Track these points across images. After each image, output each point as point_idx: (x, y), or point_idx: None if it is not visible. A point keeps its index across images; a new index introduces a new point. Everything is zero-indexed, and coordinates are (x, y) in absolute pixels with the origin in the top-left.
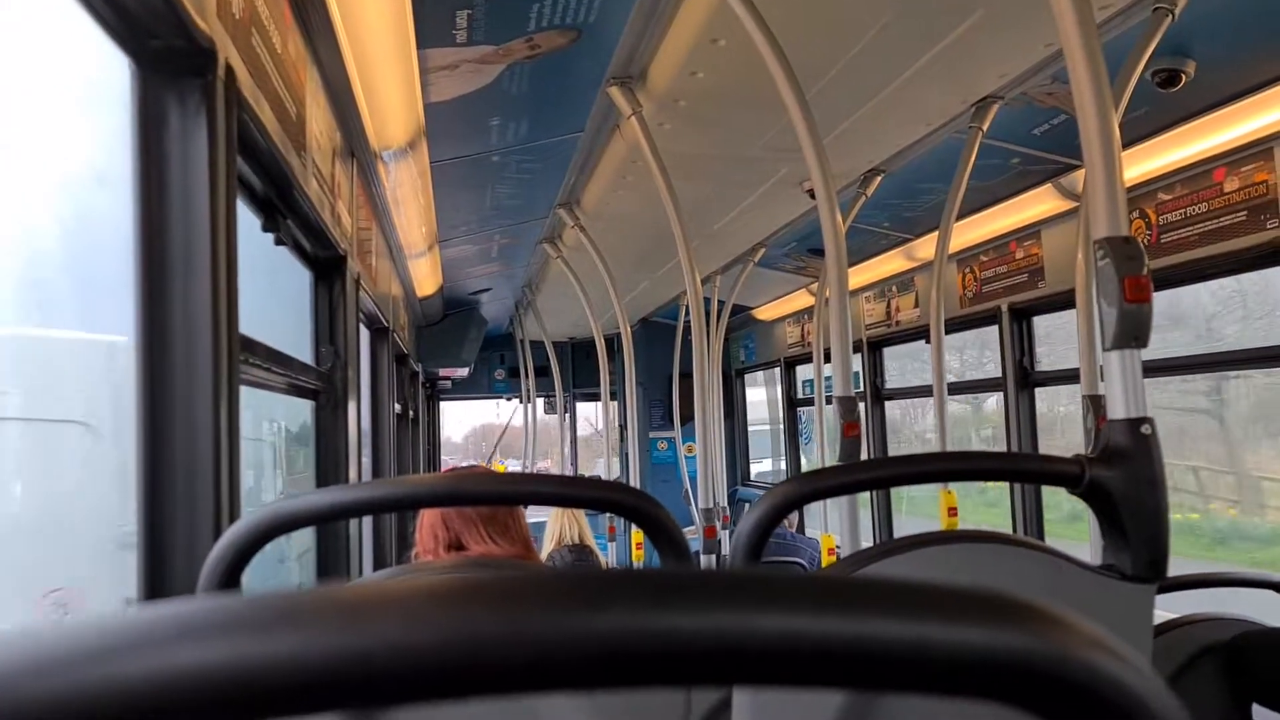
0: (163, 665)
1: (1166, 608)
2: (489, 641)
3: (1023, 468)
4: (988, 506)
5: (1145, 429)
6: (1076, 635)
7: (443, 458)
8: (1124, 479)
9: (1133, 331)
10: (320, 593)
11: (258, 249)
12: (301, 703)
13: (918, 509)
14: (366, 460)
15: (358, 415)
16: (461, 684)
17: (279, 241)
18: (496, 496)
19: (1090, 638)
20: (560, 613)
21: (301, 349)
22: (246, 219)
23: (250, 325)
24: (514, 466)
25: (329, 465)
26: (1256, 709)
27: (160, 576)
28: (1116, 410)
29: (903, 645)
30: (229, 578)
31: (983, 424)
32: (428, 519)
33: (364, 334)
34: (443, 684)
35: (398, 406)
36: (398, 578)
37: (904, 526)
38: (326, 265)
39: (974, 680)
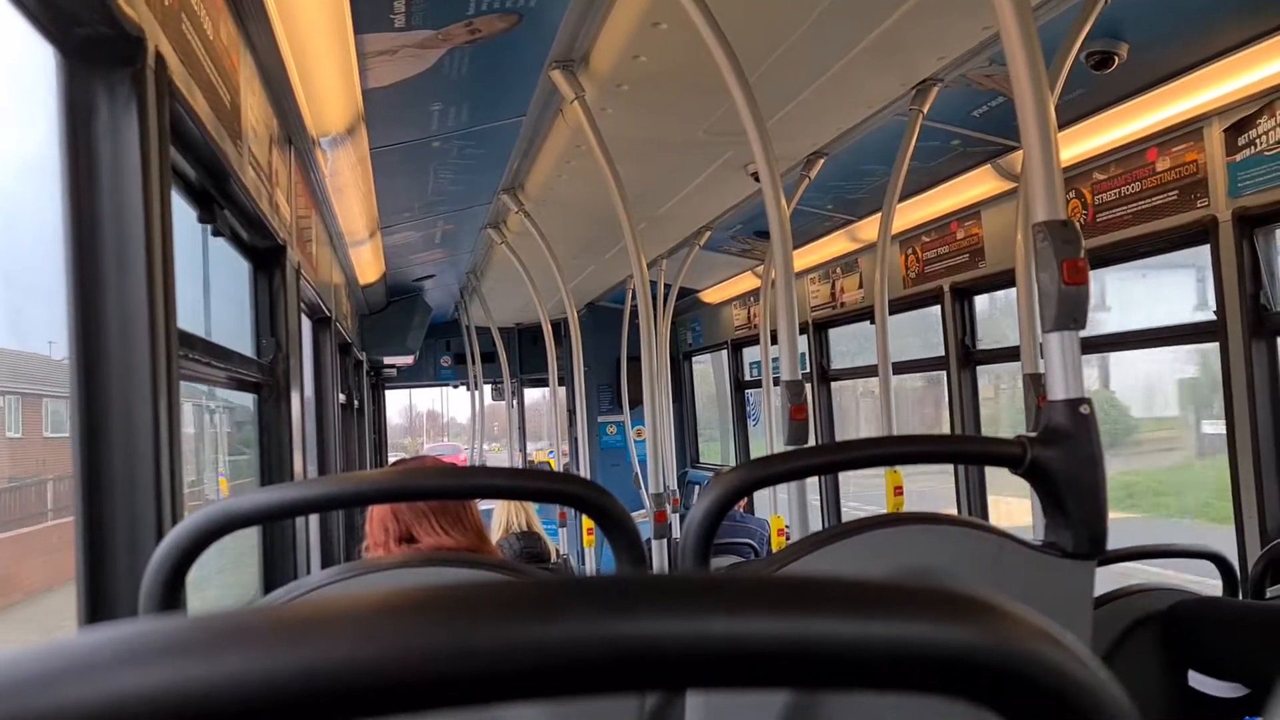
0: (108, 691)
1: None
2: (439, 655)
3: (967, 449)
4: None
5: (1084, 409)
6: (1019, 626)
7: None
8: (1064, 458)
9: (1071, 313)
10: (266, 611)
11: (191, 241)
12: None
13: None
14: (312, 452)
15: (301, 407)
16: (413, 698)
17: (216, 232)
18: (445, 491)
19: (1032, 628)
20: (511, 623)
21: (241, 341)
22: (182, 210)
23: (187, 318)
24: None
25: (273, 458)
26: (1192, 675)
27: (101, 577)
28: (1056, 391)
29: (853, 645)
30: (173, 579)
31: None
32: (377, 512)
33: (306, 324)
34: (394, 699)
35: (342, 397)
36: (349, 581)
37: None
38: (266, 255)
39: (920, 676)
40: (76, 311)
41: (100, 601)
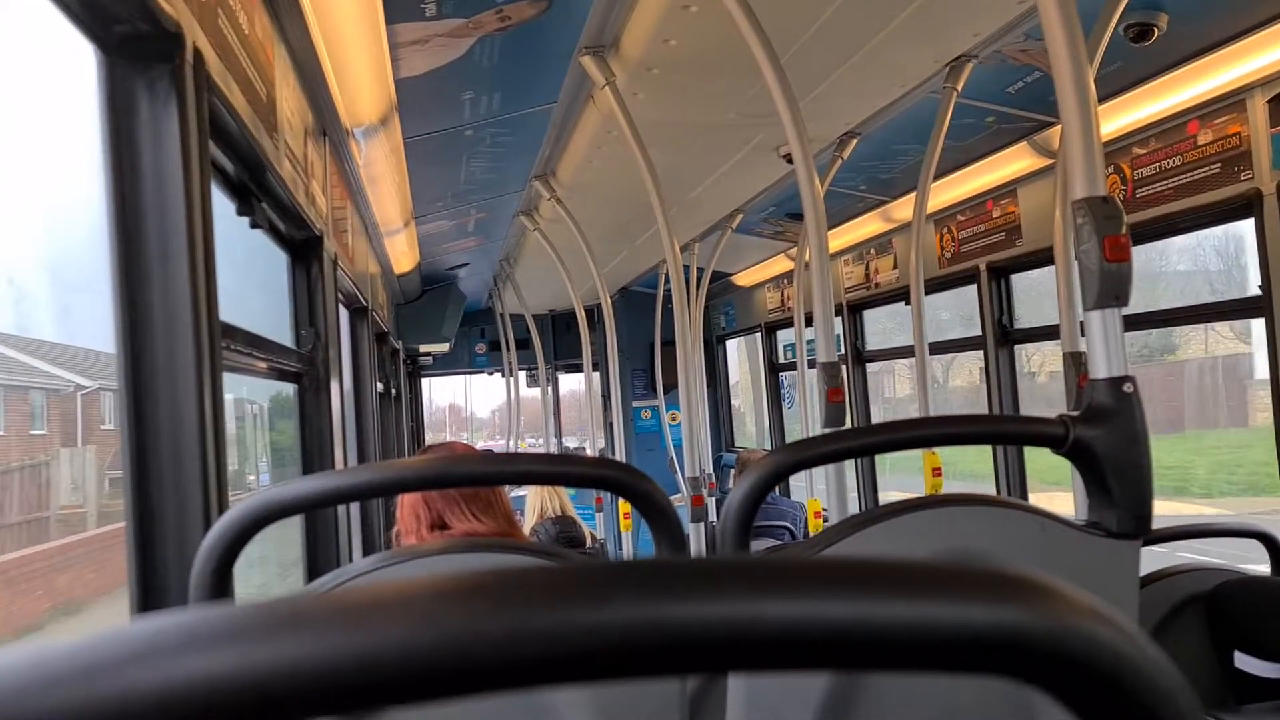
0: (172, 676)
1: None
2: (494, 639)
3: (1007, 430)
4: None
5: (1127, 387)
6: (1072, 606)
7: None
8: (1107, 437)
9: (1113, 291)
10: (325, 596)
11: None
12: (311, 707)
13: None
14: (351, 441)
15: (340, 396)
16: (469, 681)
17: (254, 224)
18: (485, 477)
19: (1085, 608)
20: (564, 607)
21: (280, 332)
22: (220, 203)
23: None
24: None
25: (314, 447)
26: (1238, 655)
27: (151, 567)
28: (1099, 369)
29: (903, 626)
30: (221, 567)
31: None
32: (409, 499)
33: (343, 314)
34: (450, 682)
35: (380, 385)
36: (394, 568)
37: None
38: (303, 246)
39: (970, 657)
40: (122, 305)
41: (151, 590)
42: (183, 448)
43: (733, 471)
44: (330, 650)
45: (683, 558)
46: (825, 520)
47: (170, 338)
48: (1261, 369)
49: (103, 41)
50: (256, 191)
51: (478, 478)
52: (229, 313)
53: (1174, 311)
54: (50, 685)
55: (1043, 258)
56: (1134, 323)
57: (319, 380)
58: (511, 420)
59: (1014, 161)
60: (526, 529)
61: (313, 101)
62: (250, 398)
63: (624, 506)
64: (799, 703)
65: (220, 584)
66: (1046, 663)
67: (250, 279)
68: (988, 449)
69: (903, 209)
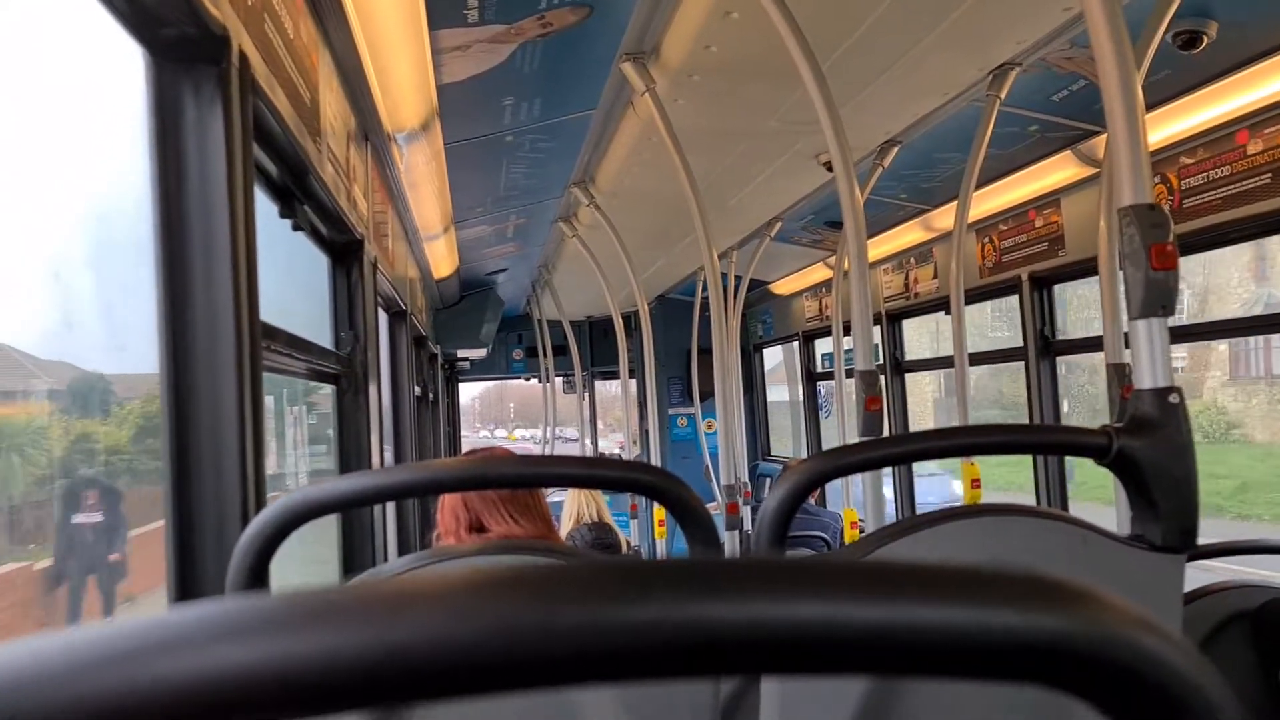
0: (207, 664)
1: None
2: (529, 634)
3: (1050, 440)
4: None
5: (1173, 398)
6: (1118, 614)
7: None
8: (1152, 449)
9: (1159, 300)
10: (359, 588)
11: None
12: (344, 699)
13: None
14: (388, 443)
15: (378, 398)
16: (502, 677)
17: (296, 227)
18: (521, 479)
19: (1131, 616)
20: (600, 604)
21: (319, 333)
22: (263, 205)
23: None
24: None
25: (351, 448)
26: None
27: (190, 563)
28: (1143, 380)
29: (946, 631)
30: (258, 564)
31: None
32: (449, 500)
33: (382, 317)
34: (483, 678)
35: (417, 388)
36: (429, 568)
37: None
38: (344, 250)
39: (1013, 664)
40: (166, 304)
41: (189, 586)
42: (222, 445)
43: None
44: (364, 642)
45: (720, 557)
46: (862, 531)
47: (212, 337)
48: None
49: (151, 44)
50: (299, 194)
51: (513, 479)
52: (269, 313)
53: (1222, 323)
54: (84, 670)
55: (1086, 268)
56: (1181, 335)
57: (357, 382)
58: (547, 424)
59: (1057, 170)
60: (562, 534)
61: (355, 106)
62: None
63: (659, 513)
64: (833, 712)
65: (257, 580)
66: (1092, 672)
67: (291, 281)
68: (1026, 461)
69: (943, 218)
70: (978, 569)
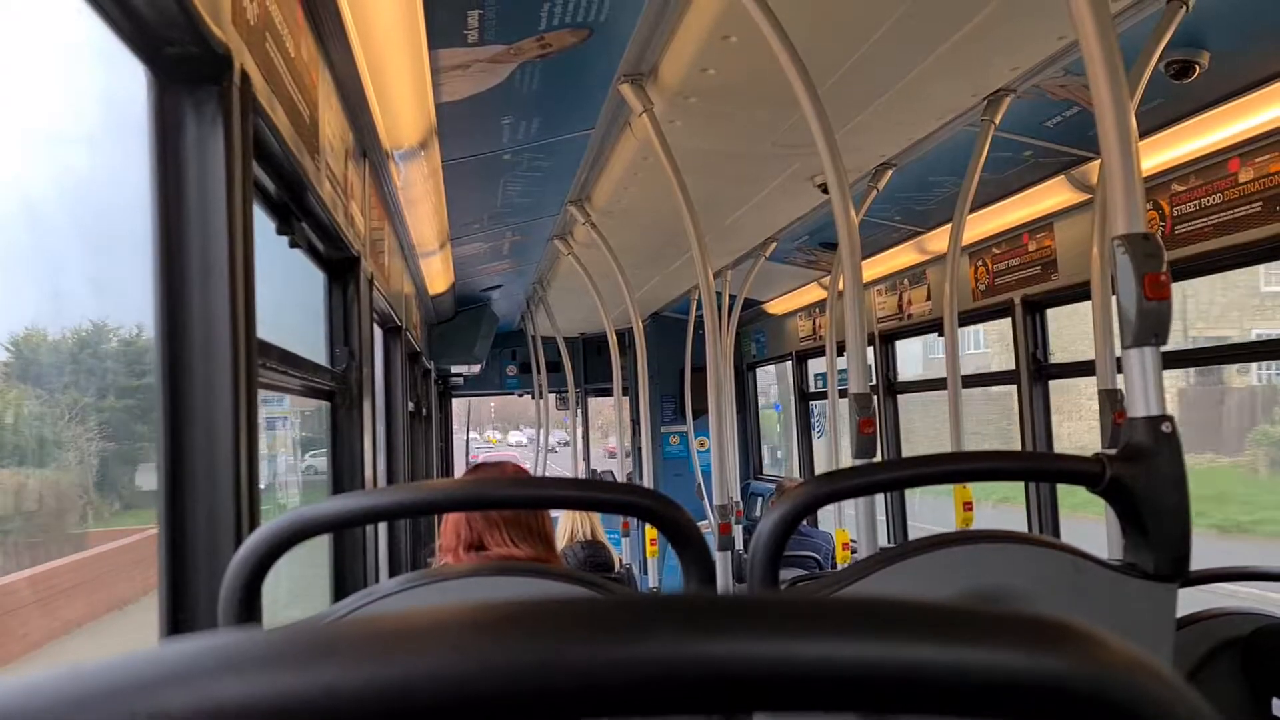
0: (206, 699)
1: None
2: (527, 671)
3: (1043, 467)
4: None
5: (1166, 427)
6: (1113, 654)
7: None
8: (1145, 477)
9: (1152, 329)
10: (359, 623)
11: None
12: None
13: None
14: (382, 459)
15: (373, 415)
16: (499, 713)
17: (293, 244)
18: (517, 500)
19: (1127, 656)
20: (602, 640)
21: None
22: (260, 222)
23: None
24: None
25: (345, 465)
26: (1276, 703)
27: (183, 583)
28: (1136, 408)
29: (949, 670)
30: (252, 582)
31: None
32: (452, 517)
33: (377, 333)
34: (483, 713)
35: (411, 405)
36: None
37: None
38: (340, 266)
39: (1011, 705)
40: (162, 320)
41: (181, 604)
42: (217, 463)
43: (771, 500)
44: (363, 678)
45: (718, 594)
46: (854, 552)
47: (208, 353)
48: None
49: (153, 63)
50: (297, 211)
51: (507, 500)
52: (265, 330)
53: (1214, 350)
54: (83, 704)
55: (1078, 293)
56: (1173, 360)
57: (352, 399)
58: (540, 444)
59: (1051, 196)
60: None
61: (354, 124)
62: None
63: (650, 532)
64: None
65: (249, 600)
66: (1088, 712)
67: (286, 297)
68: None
69: (937, 240)
70: (975, 608)
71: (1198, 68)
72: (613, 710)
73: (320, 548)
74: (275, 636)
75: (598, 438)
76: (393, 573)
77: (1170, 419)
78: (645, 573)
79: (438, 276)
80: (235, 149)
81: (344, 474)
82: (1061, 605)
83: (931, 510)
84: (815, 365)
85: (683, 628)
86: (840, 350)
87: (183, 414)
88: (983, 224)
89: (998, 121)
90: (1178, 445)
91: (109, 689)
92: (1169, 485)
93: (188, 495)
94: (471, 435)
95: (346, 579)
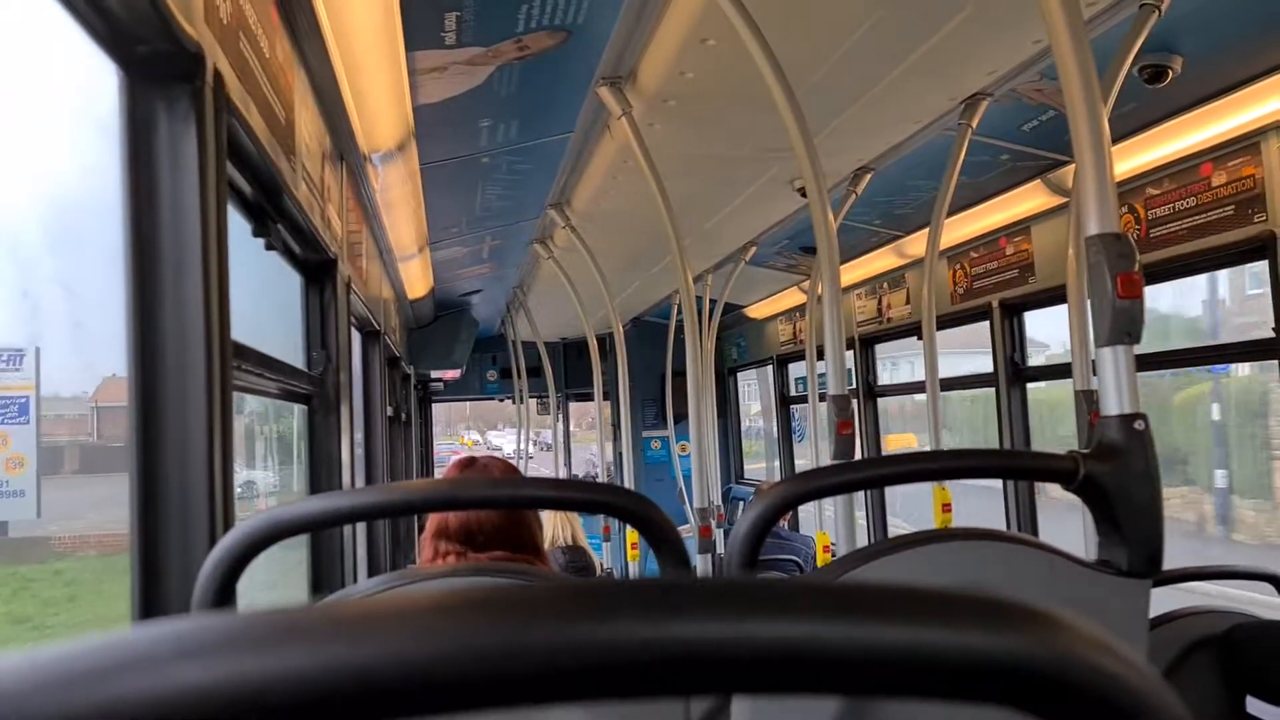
0: (165, 684)
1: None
2: (491, 653)
3: (1018, 465)
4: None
5: (1138, 424)
6: (1078, 637)
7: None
8: (1118, 475)
9: (1125, 328)
10: (321, 608)
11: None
12: (304, 718)
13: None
14: (360, 464)
15: (350, 419)
16: (464, 697)
17: (269, 246)
18: (492, 500)
19: (1092, 639)
20: (564, 624)
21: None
22: (236, 224)
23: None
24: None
25: (322, 469)
26: (1251, 700)
27: (155, 584)
28: (1110, 406)
29: (907, 651)
30: (224, 585)
31: None
32: (436, 517)
33: (355, 337)
34: (446, 697)
35: (390, 409)
36: (395, 589)
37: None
38: (317, 269)
39: (977, 684)
40: (135, 322)
41: (153, 606)
42: (190, 465)
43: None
44: (326, 662)
45: (686, 577)
46: (834, 554)
47: (182, 356)
48: None
49: (125, 61)
50: (272, 213)
51: (484, 501)
52: (240, 332)
53: (1187, 352)
54: (40, 690)
55: (1055, 295)
56: (1146, 363)
57: (329, 402)
58: (521, 447)
59: (1028, 199)
60: None
61: (331, 126)
62: None
63: (631, 536)
64: None
65: (223, 601)
66: (1052, 692)
67: (263, 300)
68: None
69: (916, 244)
70: (940, 591)
71: (1171, 72)
72: (581, 694)
73: (300, 563)
74: (237, 620)
75: (589, 439)
76: (371, 575)
77: (1143, 416)
78: (627, 577)
79: (417, 280)
80: (209, 148)
81: (321, 479)
82: (1036, 601)
83: (917, 518)
84: (796, 369)
85: (648, 610)
86: (820, 354)
87: (156, 415)
88: (961, 228)
89: (975, 125)
90: (1150, 442)
91: (65, 675)
92: (1141, 482)
93: (160, 497)
94: (468, 433)
95: (324, 582)
